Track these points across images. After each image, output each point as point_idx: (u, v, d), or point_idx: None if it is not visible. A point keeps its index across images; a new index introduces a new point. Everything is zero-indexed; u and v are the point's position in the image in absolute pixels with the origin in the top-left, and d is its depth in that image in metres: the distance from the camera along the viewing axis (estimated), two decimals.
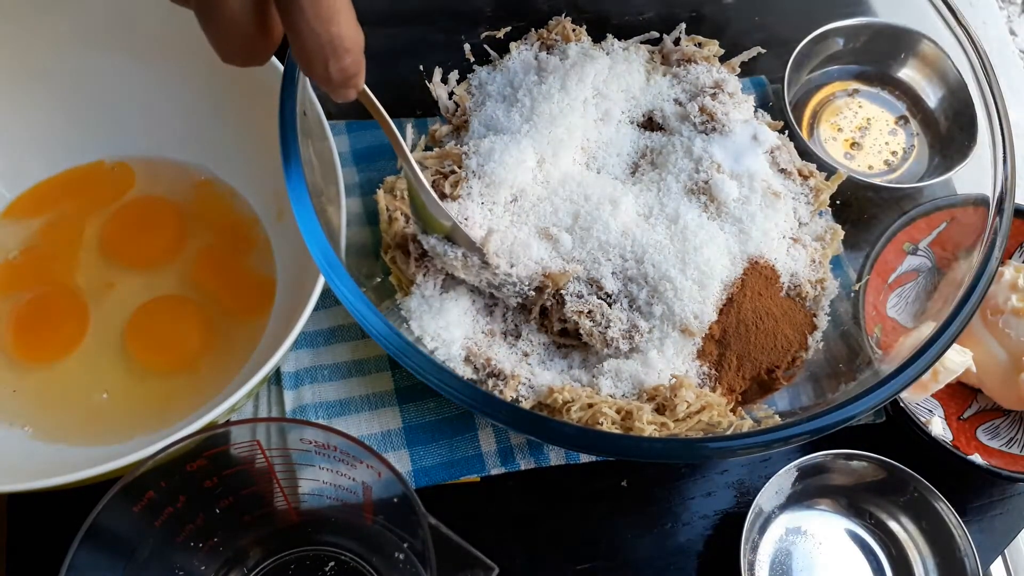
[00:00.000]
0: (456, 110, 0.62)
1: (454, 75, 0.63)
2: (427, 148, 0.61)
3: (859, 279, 0.58)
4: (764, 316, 0.54)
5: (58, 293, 0.56)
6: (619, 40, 0.65)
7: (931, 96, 0.67)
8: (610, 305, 0.53)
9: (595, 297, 0.52)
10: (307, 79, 0.47)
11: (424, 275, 0.53)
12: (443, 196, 0.56)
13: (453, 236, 0.50)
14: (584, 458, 0.55)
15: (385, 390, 0.55)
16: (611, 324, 0.52)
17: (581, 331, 0.52)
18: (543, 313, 0.54)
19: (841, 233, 0.60)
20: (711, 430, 0.50)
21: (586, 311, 0.52)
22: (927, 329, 0.46)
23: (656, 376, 0.51)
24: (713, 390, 0.52)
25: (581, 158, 0.58)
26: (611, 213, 0.53)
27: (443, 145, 0.60)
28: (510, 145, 0.54)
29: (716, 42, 0.65)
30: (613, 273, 0.53)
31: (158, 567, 0.42)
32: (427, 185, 0.48)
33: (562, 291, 0.52)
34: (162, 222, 0.59)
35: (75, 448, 0.51)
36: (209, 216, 0.59)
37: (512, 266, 0.51)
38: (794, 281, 0.57)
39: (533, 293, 0.52)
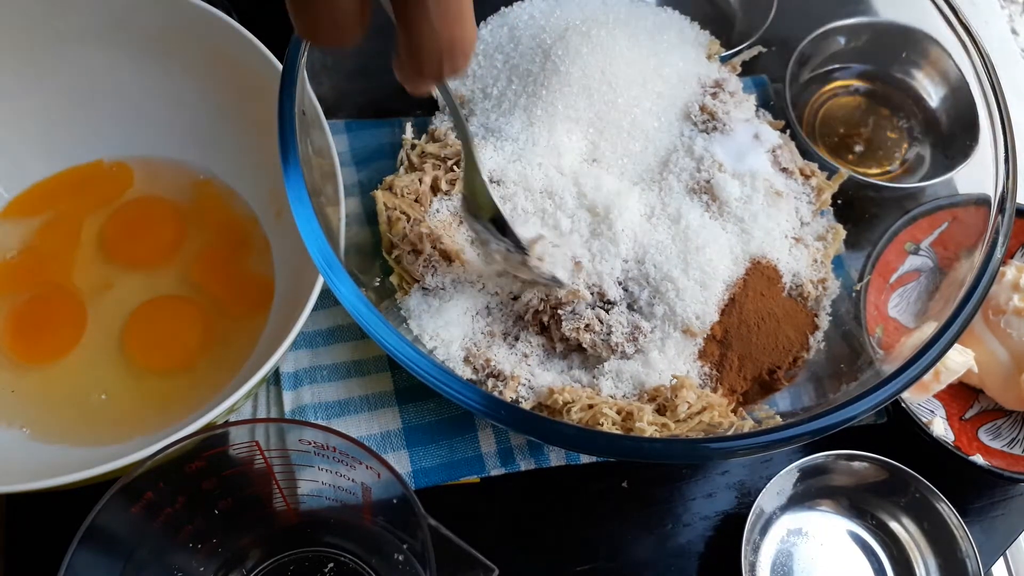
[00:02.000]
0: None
1: None
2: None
3: (861, 279, 0.58)
4: (766, 316, 0.54)
5: (56, 293, 0.56)
6: None
7: (933, 95, 0.67)
8: (607, 311, 0.52)
9: (589, 310, 0.52)
10: (306, 78, 0.47)
11: (432, 275, 0.53)
12: (436, 191, 0.56)
13: (501, 224, 0.49)
14: (584, 459, 0.55)
15: (384, 391, 0.55)
16: (613, 330, 0.52)
17: (584, 344, 0.52)
18: (544, 329, 0.54)
19: (843, 233, 0.60)
20: (712, 431, 0.50)
21: (583, 326, 0.52)
22: (929, 329, 0.46)
23: (657, 377, 0.51)
24: (714, 391, 0.52)
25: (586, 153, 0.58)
26: (615, 215, 0.53)
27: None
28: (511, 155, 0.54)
29: (718, 41, 0.65)
30: (615, 279, 0.53)
31: (156, 568, 0.42)
32: (483, 175, 0.47)
33: (559, 311, 0.52)
34: (161, 222, 0.59)
35: (73, 449, 0.51)
36: (208, 216, 0.59)
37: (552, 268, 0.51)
38: (796, 281, 0.57)
39: (540, 301, 0.53)
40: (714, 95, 0.60)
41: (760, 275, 0.54)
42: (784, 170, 0.59)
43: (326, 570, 0.49)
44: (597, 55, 0.57)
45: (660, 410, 0.50)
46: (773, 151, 0.59)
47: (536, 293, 0.53)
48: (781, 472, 0.53)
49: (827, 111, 0.69)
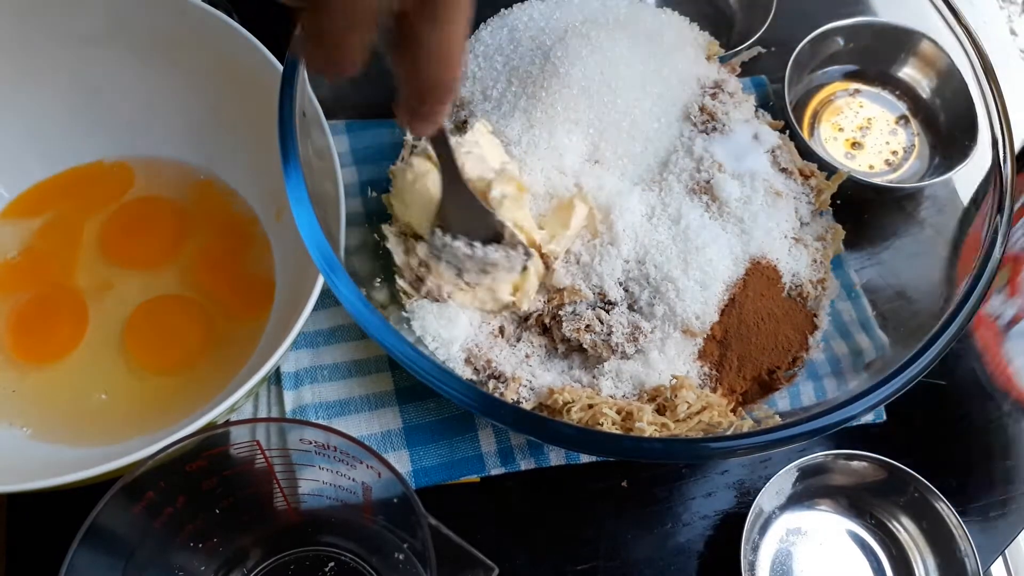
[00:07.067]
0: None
1: None
2: None
3: None
4: (766, 317, 0.54)
5: (57, 293, 0.56)
6: None
7: (932, 96, 0.67)
8: (608, 311, 0.53)
9: (590, 310, 0.52)
10: (307, 79, 0.47)
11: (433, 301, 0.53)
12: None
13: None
14: (584, 458, 0.55)
15: (385, 390, 0.55)
16: (613, 330, 0.52)
17: (584, 344, 0.52)
18: (545, 330, 0.54)
19: (842, 233, 0.60)
20: (712, 430, 0.50)
21: (584, 326, 0.52)
22: None
23: (657, 376, 0.51)
24: (714, 390, 0.52)
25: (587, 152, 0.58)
26: (616, 215, 0.53)
27: None
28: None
29: (717, 41, 0.65)
30: (616, 279, 0.53)
31: (157, 567, 0.42)
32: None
33: (560, 312, 0.52)
34: (161, 222, 0.59)
35: (74, 448, 0.51)
36: (208, 216, 0.59)
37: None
38: (795, 281, 0.57)
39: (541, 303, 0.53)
40: (714, 96, 0.60)
41: (760, 275, 0.54)
42: (783, 170, 0.59)
43: (327, 569, 0.49)
44: (597, 57, 0.57)
45: (660, 410, 0.50)
46: (772, 151, 0.59)
47: (537, 297, 0.53)
48: (780, 471, 0.53)
49: (826, 112, 0.69)
